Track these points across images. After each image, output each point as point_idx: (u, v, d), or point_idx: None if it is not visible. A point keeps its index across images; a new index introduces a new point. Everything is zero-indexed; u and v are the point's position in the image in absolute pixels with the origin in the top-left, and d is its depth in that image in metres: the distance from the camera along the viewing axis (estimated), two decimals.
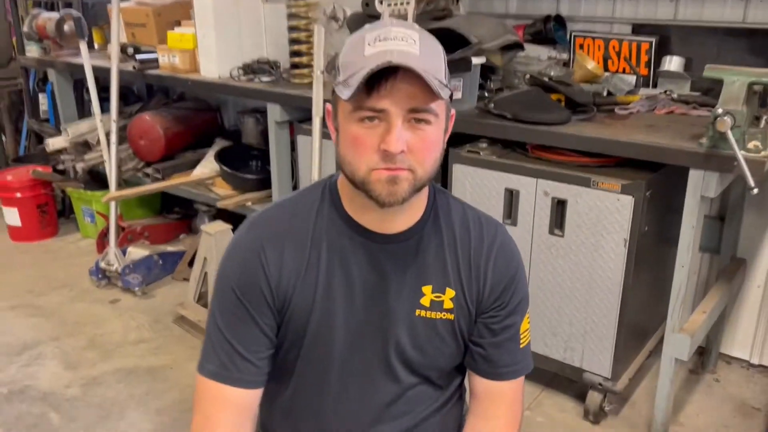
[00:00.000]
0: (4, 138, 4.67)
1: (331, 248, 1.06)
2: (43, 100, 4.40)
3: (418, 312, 1.07)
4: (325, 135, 2.46)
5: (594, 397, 2.23)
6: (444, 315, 1.08)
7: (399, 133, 0.94)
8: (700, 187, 1.86)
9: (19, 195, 3.72)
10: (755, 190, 1.68)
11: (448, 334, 1.09)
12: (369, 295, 1.06)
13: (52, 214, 3.87)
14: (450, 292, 1.08)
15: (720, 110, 1.73)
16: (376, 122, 0.95)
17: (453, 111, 1.06)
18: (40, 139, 4.23)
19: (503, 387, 1.12)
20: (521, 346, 1.14)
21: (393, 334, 1.07)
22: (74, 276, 3.35)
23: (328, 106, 1.05)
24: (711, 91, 2.34)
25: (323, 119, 2.42)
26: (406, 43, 0.95)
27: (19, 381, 2.54)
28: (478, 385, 1.13)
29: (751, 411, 2.35)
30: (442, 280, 1.08)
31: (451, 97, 1.02)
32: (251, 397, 1.06)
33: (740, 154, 1.70)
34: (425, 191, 1.07)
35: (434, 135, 0.99)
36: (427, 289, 1.07)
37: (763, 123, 1.90)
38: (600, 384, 2.19)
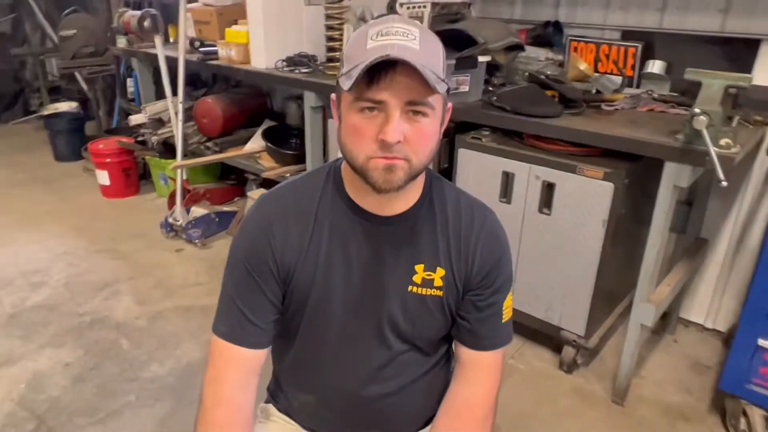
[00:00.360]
0: (100, 114, 4.62)
1: (333, 227, 0.93)
2: (130, 84, 4.31)
3: (410, 288, 0.94)
4: None
5: (568, 351, 2.09)
6: (434, 292, 0.95)
7: (396, 124, 0.80)
8: (674, 178, 1.67)
9: (108, 160, 3.66)
10: (724, 183, 1.49)
11: (437, 309, 0.96)
12: (366, 271, 0.93)
13: (134, 176, 3.79)
14: (440, 271, 0.94)
15: (697, 110, 1.54)
16: (376, 113, 0.81)
17: (450, 104, 0.90)
18: (127, 115, 4.16)
19: (484, 356, 0.99)
20: (503, 320, 1.00)
21: (386, 307, 0.94)
22: (149, 228, 3.28)
23: (333, 95, 0.90)
24: (688, 92, 2.13)
25: None
26: (407, 38, 0.80)
27: (100, 312, 2.50)
28: (462, 353, 1.00)
29: (704, 369, 2.19)
30: (434, 260, 0.94)
31: (448, 90, 0.86)
32: (257, 357, 0.95)
33: (713, 150, 1.51)
34: (421, 178, 0.93)
35: (430, 127, 0.84)
36: (419, 268, 0.94)
37: (734, 122, 1.71)
38: (574, 341, 2.05)
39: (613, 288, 2.13)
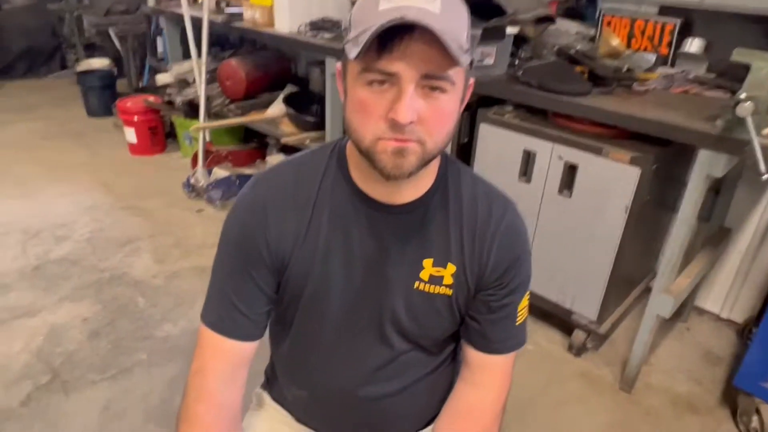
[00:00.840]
0: (131, 71, 4.49)
1: (334, 213, 0.79)
2: (160, 43, 4.16)
3: (416, 285, 0.80)
4: None
5: (579, 335, 1.96)
6: (443, 290, 0.81)
7: (410, 101, 0.64)
8: (707, 167, 1.49)
9: (135, 118, 3.54)
10: (766, 176, 1.31)
11: (445, 309, 0.82)
12: (368, 263, 0.79)
13: (160, 135, 3.67)
14: (451, 268, 0.80)
15: (743, 95, 1.34)
16: (386, 87, 0.66)
17: (472, 80, 0.74)
18: (157, 74, 4.02)
19: (495, 360, 0.86)
20: (517, 323, 0.86)
21: (389, 303, 0.81)
22: (172, 186, 3.19)
23: (338, 65, 0.74)
24: (726, 73, 1.90)
25: None
26: None
27: (119, 268, 2.43)
28: (471, 355, 0.87)
29: (716, 359, 2.05)
30: (444, 255, 0.80)
31: (472, 63, 0.70)
32: (246, 349, 0.82)
33: (756, 140, 1.32)
34: (435, 162, 0.78)
35: (449, 105, 0.68)
36: (427, 263, 0.80)
37: None
38: (586, 325, 1.92)
39: (629, 274, 1.97)
